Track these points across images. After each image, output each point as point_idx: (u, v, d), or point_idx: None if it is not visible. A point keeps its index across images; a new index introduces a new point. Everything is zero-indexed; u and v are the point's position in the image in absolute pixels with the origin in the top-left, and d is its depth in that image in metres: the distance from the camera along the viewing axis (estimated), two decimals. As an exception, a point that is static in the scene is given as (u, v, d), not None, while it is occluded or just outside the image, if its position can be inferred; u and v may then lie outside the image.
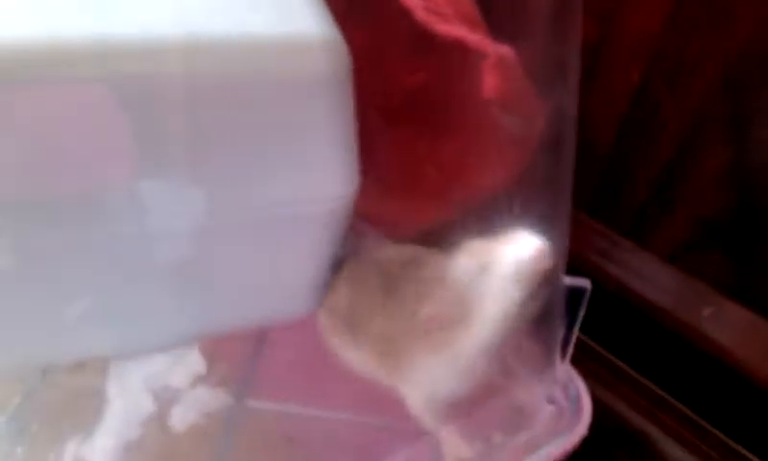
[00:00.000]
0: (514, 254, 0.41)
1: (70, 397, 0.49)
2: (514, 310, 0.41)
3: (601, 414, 0.50)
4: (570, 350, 0.48)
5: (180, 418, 0.45)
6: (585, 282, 0.45)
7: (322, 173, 0.43)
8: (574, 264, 0.45)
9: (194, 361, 0.47)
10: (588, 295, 0.45)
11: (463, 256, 0.43)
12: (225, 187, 0.41)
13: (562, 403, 0.50)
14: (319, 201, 0.43)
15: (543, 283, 0.41)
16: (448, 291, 0.43)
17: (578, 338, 0.48)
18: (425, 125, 0.52)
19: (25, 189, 0.37)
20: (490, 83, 0.43)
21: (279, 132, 0.41)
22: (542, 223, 0.46)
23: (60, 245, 0.39)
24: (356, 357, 0.47)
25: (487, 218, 0.48)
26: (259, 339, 0.54)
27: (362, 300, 0.47)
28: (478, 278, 0.42)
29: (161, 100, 0.37)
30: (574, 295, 0.45)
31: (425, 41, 0.45)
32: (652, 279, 0.60)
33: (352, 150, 0.44)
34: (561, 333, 0.47)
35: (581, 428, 0.48)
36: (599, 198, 0.64)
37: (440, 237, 0.47)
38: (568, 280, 0.45)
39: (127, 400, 0.45)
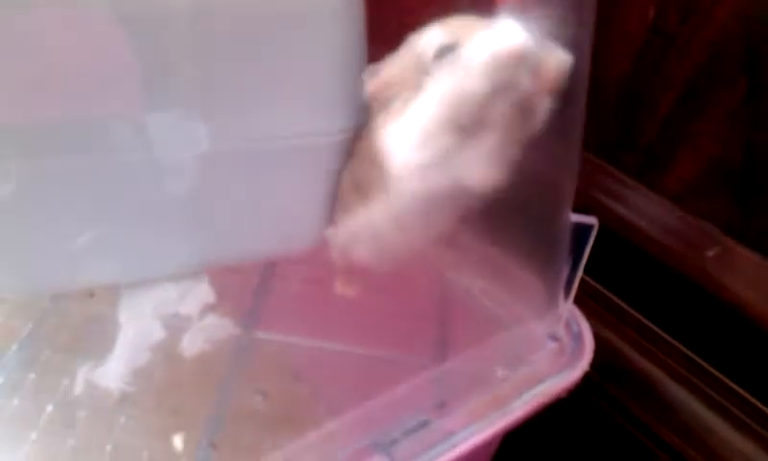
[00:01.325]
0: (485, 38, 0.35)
1: (81, 324, 0.50)
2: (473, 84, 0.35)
3: (604, 354, 0.51)
4: (575, 288, 0.48)
5: (189, 345, 0.46)
6: (591, 220, 0.45)
7: (328, 105, 0.43)
8: (581, 203, 0.45)
9: (203, 291, 0.48)
10: (594, 232, 0.45)
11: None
12: (231, 118, 0.41)
13: (564, 341, 0.50)
14: (325, 133, 0.43)
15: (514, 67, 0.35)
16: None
17: (582, 278, 0.48)
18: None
19: (31, 114, 0.38)
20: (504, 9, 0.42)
21: (287, 61, 0.40)
22: (552, 162, 0.46)
23: (66, 171, 0.40)
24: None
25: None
26: (266, 272, 0.55)
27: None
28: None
29: (166, 29, 0.37)
30: (580, 232, 0.45)
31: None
32: (658, 219, 0.60)
33: (360, 83, 0.43)
34: (565, 270, 0.47)
35: (582, 365, 0.48)
36: (608, 138, 0.63)
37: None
38: (575, 217, 0.45)
39: (137, 327, 0.46)
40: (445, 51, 0.36)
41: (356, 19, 0.41)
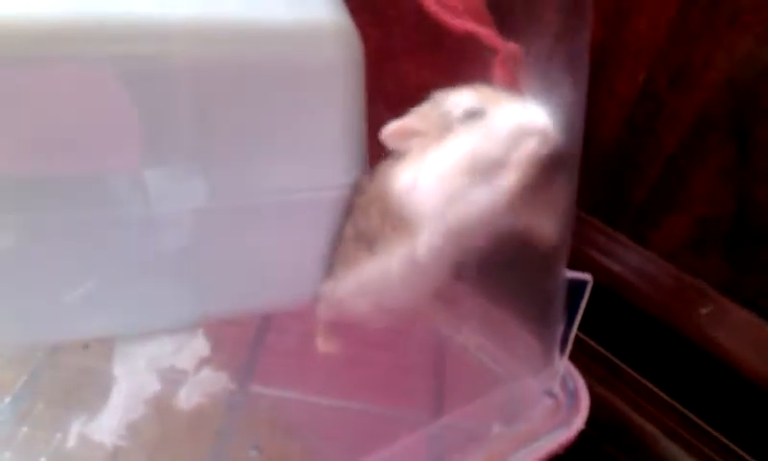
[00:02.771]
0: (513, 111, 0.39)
1: (75, 377, 0.49)
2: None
3: (598, 411, 0.51)
4: (570, 344, 0.48)
5: (185, 399, 0.46)
6: (586, 276, 0.46)
7: (329, 160, 0.43)
8: (575, 261, 0.46)
9: (199, 345, 0.48)
10: (589, 288, 0.45)
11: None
12: (231, 172, 0.42)
13: (560, 397, 0.50)
14: (325, 188, 0.44)
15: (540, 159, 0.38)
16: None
17: (576, 335, 0.49)
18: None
19: (32, 167, 0.38)
20: (498, 77, 0.44)
21: (288, 117, 0.41)
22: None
23: (65, 225, 0.40)
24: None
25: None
26: (262, 325, 0.55)
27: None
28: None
29: (171, 82, 0.38)
30: (575, 289, 0.46)
31: (436, 36, 0.45)
32: (651, 277, 0.61)
33: (361, 138, 0.44)
34: (560, 327, 0.48)
35: (578, 422, 0.48)
36: (601, 195, 0.64)
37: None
38: (569, 274, 0.46)
39: (132, 381, 0.45)
40: (473, 114, 0.39)
41: (356, 78, 0.42)
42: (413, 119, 0.41)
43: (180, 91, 0.39)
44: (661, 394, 0.62)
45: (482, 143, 0.38)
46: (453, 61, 0.49)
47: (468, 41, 0.44)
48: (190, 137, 0.40)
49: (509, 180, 0.38)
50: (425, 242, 0.40)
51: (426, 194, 0.39)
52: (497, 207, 0.39)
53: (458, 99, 0.40)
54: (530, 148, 0.37)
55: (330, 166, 0.44)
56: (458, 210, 0.39)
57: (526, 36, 0.44)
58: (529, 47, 0.44)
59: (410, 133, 0.41)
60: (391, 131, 0.41)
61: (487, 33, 0.44)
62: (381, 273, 0.43)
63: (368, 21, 0.44)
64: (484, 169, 0.38)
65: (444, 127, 0.40)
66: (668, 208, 0.60)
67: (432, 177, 0.39)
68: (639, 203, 0.62)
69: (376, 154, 0.45)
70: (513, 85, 0.44)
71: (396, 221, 0.41)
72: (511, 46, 0.44)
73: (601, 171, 0.63)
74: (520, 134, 0.37)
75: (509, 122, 0.38)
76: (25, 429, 0.46)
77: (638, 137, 0.60)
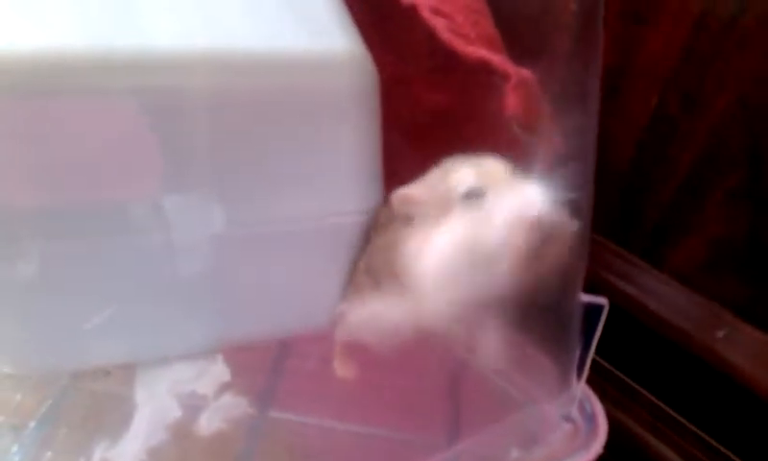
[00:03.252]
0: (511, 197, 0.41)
1: (98, 402, 0.50)
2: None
3: (616, 435, 0.50)
4: (587, 368, 0.48)
5: (206, 424, 0.46)
6: (602, 300, 0.46)
7: (345, 187, 0.44)
8: (590, 284, 0.46)
9: (219, 370, 0.48)
10: (605, 312, 0.45)
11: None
12: (249, 200, 0.42)
13: (578, 422, 0.50)
14: (342, 214, 0.45)
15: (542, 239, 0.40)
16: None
17: (593, 358, 0.49)
18: (448, 145, 0.54)
19: (51, 198, 0.39)
20: (511, 103, 0.44)
21: (304, 145, 0.42)
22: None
23: (86, 252, 0.41)
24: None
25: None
26: (281, 351, 0.55)
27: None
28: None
29: (188, 112, 0.39)
30: (591, 313, 0.46)
31: (449, 62, 0.46)
32: (667, 299, 0.61)
33: (376, 165, 0.45)
34: (577, 351, 0.48)
35: (597, 446, 0.48)
36: (615, 219, 0.65)
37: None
38: (585, 298, 0.46)
39: (154, 406, 0.46)
40: (473, 195, 0.41)
41: (371, 105, 0.43)
42: (420, 189, 0.44)
43: (198, 121, 0.39)
44: (678, 417, 0.62)
45: (479, 230, 0.40)
46: (466, 87, 0.49)
47: (481, 68, 0.45)
48: (208, 166, 0.41)
49: (505, 266, 0.40)
50: (426, 310, 0.43)
51: (427, 272, 0.42)
52: (495, 290, 0.41)
53: (461, 177, 0.42)
54: (525, 238, 0.39)
55: (346, 193, 0.44)
56: (457, 291, 0.41)
57: (538, 62, 0.45)
58: (541, 73, 0.45)
59: (416, 202, 0.43)
60: (399, 197, 0.44)
61: (499, 59, 0.45)
62: (385, 311, 0.45)
63: (381, 48, 0.44)
64: (482, 254, 0.40)
65: (447, 202, 0.42)
66: (682, 230, 0.60)
67: (433, 257, 0.41)
68: (654, 225, 0.62)
69: (391, 180, 0.45)
70: (524, 110, 0.45)
71: (398, 277, 0.44)
72: (523, 72, 0.45)
73: (615, 194, 0.63)
74: (517, 223, 0.39)
75: (506, 211, 0.40)
76: (49, 454, 0.47)
77: (652, 160, 0.61)
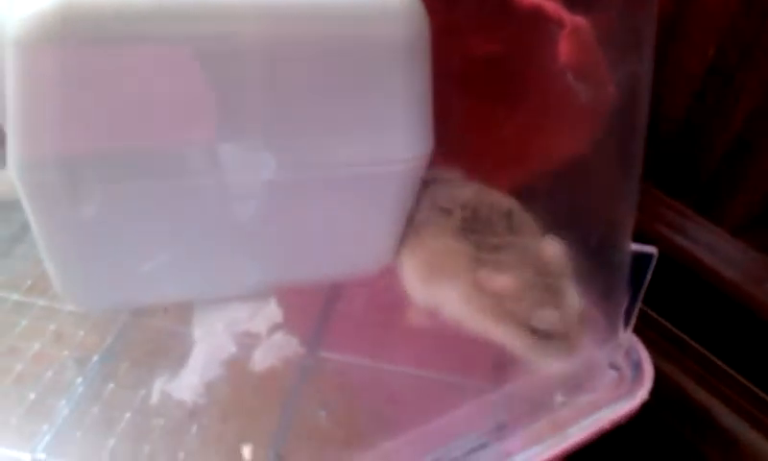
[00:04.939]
0: None
1: (157, 338, 0.52)
2: None
3: (663, 386, 0.51)
4: (634, 317, 0.48)
5: (259, 361, 0.48)
6: (651, 249, 0.46)
7: (397, 134, 0.44)
8: (641, 234, 0.46)
9: (271, 311, 0.50)
10: (654, 261, 0.45)
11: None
12: (302, 146, 0.43)
13: (624, 369, 0.50)
14: (393, 161, 0.45)
15: None
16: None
17: (642, 309, 0.49)
18: (501, 93, 0.53)
19: (112, 141, 0.40)
20: (565, 51, 0.44)
21: (357, 92, 0.42)
22: (612, 192, 0.47)
23: (145, 195, 0.42)
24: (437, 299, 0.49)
25: (559, 186, 0.49)
26: (332, 294, 0.57)
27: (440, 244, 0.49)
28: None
29: (244, 59, 0.40)
30: (640, 262, 0.46)
31: (503, 10, 0.46)
32: (719, 251, 0.60)
33: (428, 112, 0.45)
34: (625, 300, 0.48)
35: (642, 394, 0.48)
36: (669, 170, 0.64)
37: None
38: (635, 247, 0.46)
39: (210, 343, 0.48)
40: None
41: (423, 52, 0.43)
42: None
43: (253, 67, 0.40)
44: (726, 367, 0.61)
45: None
46: (519, 36, 0.49)
47: (534, 15, 0.45)
48: (263, 112, 0.42)
49: None
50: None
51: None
52: None
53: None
54: None
55: (397, 140, 0.44)
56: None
57: (592, 9, 0.45)
58: (595, 20, 0.44)
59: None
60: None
61: (553, 6, 0.44)
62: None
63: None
64: None
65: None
66: (737, 183, 0.59)
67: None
68: (708, 177, 0.61)
69: (444, 129, 0.46)
70: (578, 58, 0.45)
71: None
72: (577, 19, 0.45)
73: (669, 145, 0.62)
74: None
75: None
76: (111, 386, 0.49)
77: (707, 111, 0.60)
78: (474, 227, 0.47)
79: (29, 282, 0.56)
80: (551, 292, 0.44)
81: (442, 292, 0.48)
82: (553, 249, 0.45)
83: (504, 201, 0.49)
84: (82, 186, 0.41)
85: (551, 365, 0.44)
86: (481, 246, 0.46)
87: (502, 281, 0.44)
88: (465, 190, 0.50)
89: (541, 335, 0.43)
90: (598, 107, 0.49)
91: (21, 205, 0.41)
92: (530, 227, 0.47)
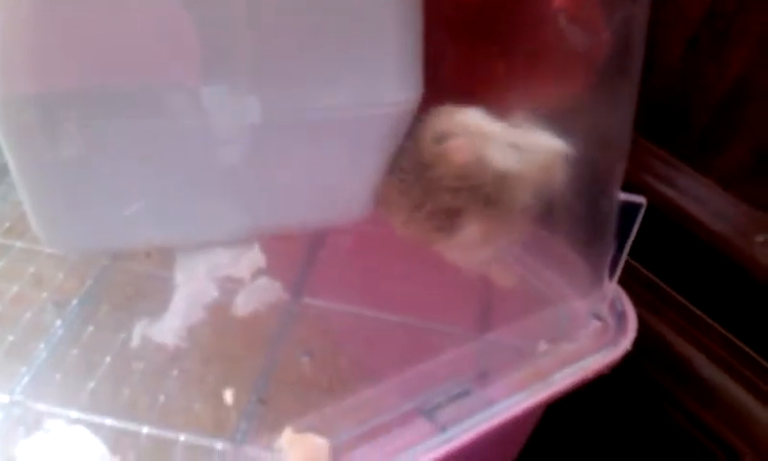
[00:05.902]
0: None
1: (138, 282, 0.52)
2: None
3: (646, 338, 0.51)
4: (620, 267, 0.48)
5: (241, 306, 0.48)
6: (640, 199, 0.45)
7: (385, 78, 0.43)
8: (627, 185, 0.46)
9: (255, 257, 0.49)
10: (642, 211, 0.45)
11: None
12: (288, 88, 0.42)
13: (607, 320, 0.51)
14: (381, 105, 0.44)
15: None
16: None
17: (628, 261, 0.49)
18: (493, 38, 0.52)
19: (94, 79, 0.39)
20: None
21: (344, 34, 0.41)
22: (603, 139, 0.46)
23: (125, 135, 0.41)
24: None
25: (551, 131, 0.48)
26: (316, 240, 0.56)
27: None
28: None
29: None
30: (628, 211, 0.45)
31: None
32: (708, 204, 0.60)
33: (417, 57, 0.44)
34: (611, 250, 0.48)
35: (625, 344, 0.49)
36: (659, 118, 0.63)
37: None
38: (623, 196, 0.45)
39: (192, 287, 0.47)
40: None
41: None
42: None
43: (237, 6, 0.39)
44: (708, 319, 0.62)
45: None
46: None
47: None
48: (247, 53, 0.41)
49: None
50: None
51: None
52: None
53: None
54: None
55: (385, 84, 0.44)
56: None
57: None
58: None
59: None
60: None
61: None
62: None
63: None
64: None
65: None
66: (730, 135, 0.59)
67: None
68: (701, 127, 0.60)
69: (434, 76, 0.45)
70: (573, 2, 0.44)
71: None
72: (572, -39, 0.43)
73: (662, 93, 0.62)
74: None
75: None
76: (91, 329, 0.49)
77: (702, 59, 0.58)
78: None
79: (7, 224, 0.55)
80: None
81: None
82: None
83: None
84: (59, 125, 0.40)
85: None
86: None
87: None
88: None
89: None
90: (591, 52, 0.47)
91: (-1, 146, 0.40)
92: None
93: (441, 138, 0.44)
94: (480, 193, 0.43)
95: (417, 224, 0.45)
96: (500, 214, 0.43)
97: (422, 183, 0.44)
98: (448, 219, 0.44)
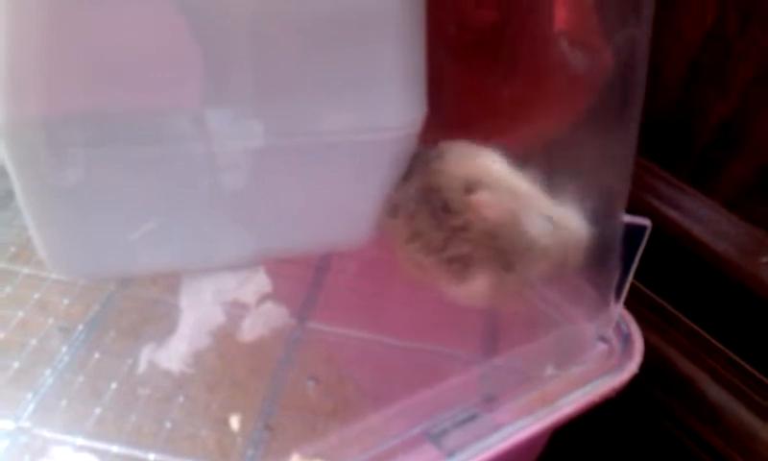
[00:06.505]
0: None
1: (144, 308, 0.52)
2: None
3: (652, 359, 0.51)
4: (626, 290, 0.48)
5: (248, 331, 0.48)
6: (644, 221, 0.45)
7: (388, 102, 0.43)
8: (633, 207, 0.46)
9: (260, 281, 0.49)
10: (647, 233, 0.45)
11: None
12: (292, 112, 0.42)
13: (613, 342, 0.50)
14: (384, 129, 0.44)
15: None
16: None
17: (632, 283, 0.48)
18: (495, 61, 0.53)
19: (97, 103, 0.39)
20: (560, 18, 0.43)
21: (347, 57, 0.41)
22: (606, 162, 0.47)
23: (130, 160, 0.41)
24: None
25: (553, 156, 0.48)
26: (322, 265, 0.56)
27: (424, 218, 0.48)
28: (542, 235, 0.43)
29: (230, 20, 0.39)
30: (633, 233, 0.45)
31: (497, -25, 0.45)
32: (712, 224, 0.59)
33: (420, 80, 0.44)
34: (616, 272, 0.47)
35: (631, 367, 0.48)
36: (662, 140, 0.63)
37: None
38: (628, 218, 0.45)
39: (198, 312, 0.47)
40: None
41: (417, 17, 0.42)
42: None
43: (241, 30, 0.39)
44: (715, 342, 0.61)
45: None
46: (514, 2, 0.48)
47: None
48: (250, 77, 0.41)
49: None
50: None
51: None
52: None
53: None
54: None
55: (389, 108, 0.44)
56: None
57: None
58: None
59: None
60: None
61: (549, -29, 0.43)
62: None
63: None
64: None
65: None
66: (731, 155, 0.59)
67: None
68: (702, 148, 0.60)
69: (437, 98, 0.45)
70: (573, 23, 0.44)
71: None
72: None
73: (663, 115, 0.62)
74: None
75: None
76: (97, 355, 0.49)
77: (704, 80, 0.59)
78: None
79: (13, 250, 0.55)
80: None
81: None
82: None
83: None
84: (65, 149, 0.40)
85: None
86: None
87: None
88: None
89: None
90: (594, 74, 0.48)
91: (5, 171, 0.40)
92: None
93: (471, 188, 0.43)
94: (504, 256, 0.43)
95: (428, 265, 0.45)
96: (515, 279, 0.43)
97: (445, 230, 0.44)
98: (462, 267, 0.44)
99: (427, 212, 0.44)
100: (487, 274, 0.43)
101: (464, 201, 0.43)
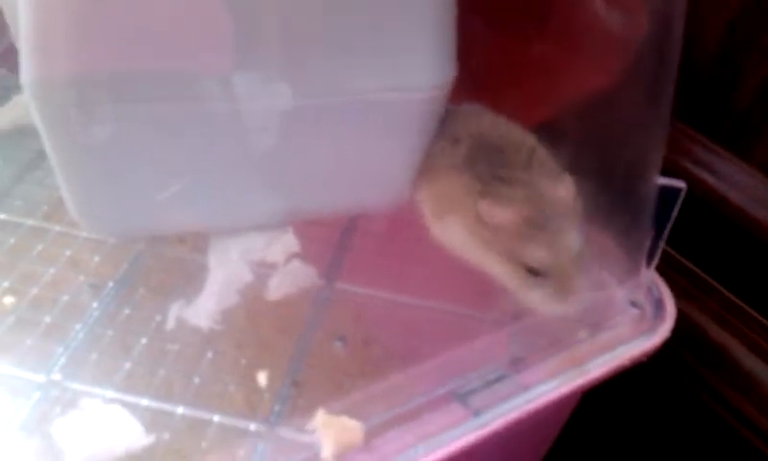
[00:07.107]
0: None
1: (173, 266, 0.52)
2: None
3: (685, 327, 0.50)
4: (658, 254, 0.47)
5: (275, 289, 0.48)
6: (679, 183, 0.44)
7: (417, 62, 0.43)
8: (668, 171, 0.45)
9: (288, 241, 0.49)
10: (682, 196, 0.44)
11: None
12: (321, 72, 0.42)
13: (645, 307, 0.49)
14: (414, 89, 0.44)
15: None
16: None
17: (666, 250, 0.48)
18: (528, 22, 0.52)
19: (127, 62, 0.40)
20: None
21: (376, 18, 0.41)
22: (641, 126, 0.46)
23: (159, 119, 0.42)
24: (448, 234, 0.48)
25: (588, 116, 0.47)
26: (349, 226, 0.56)
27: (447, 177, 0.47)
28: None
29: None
30: (667, 197, 0.45)
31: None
32: (748, 190, 0.58)
33: (450, 42, 0.44)
34: (649, 236, 0.47)
35: (663, 331, 0.48)
36: (698, 102, 0.62)
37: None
38: (662, 180, 0.44)
39: (226, 271, 0.48)
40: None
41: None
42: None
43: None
44: (748, 308, 0.60)
45: None
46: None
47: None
48: (279, 36, 0.41)
49: None
50: None
51: None
52: None
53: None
54: None
55: (419, 68, 0.43)
56: None
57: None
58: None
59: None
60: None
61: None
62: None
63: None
64: None
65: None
66: (770, 119, 0.57)
67: None
68: (741, 111, 0.59)
69: (470, 63, 0.44)
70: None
71: None
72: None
73: (701, 78, 0.60)
74: None
75: None
76: (127, 311, 0.49)
77: (742, 43, 0.57)
78: (482, 157, 0.46)
79: (45, 208, 0.56)
80: (549, 231, 0.42)
81: (448, 227, 0.47)
82: (564, 189, 0.44)
83: (527, 138, 0.47)
84: (94, 108, 0.40)
85: (541, 306, 0.44)
86: (486, 177, 0.45)
87: (501, 215, 0.43)
88: (480, 120, 0.49)
89: (534, 274, 0.43)
90: (629, 36, 0.47)
91: (37, 131, 0.41)
92: (548, 166, 0.46)
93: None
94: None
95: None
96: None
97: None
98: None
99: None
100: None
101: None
